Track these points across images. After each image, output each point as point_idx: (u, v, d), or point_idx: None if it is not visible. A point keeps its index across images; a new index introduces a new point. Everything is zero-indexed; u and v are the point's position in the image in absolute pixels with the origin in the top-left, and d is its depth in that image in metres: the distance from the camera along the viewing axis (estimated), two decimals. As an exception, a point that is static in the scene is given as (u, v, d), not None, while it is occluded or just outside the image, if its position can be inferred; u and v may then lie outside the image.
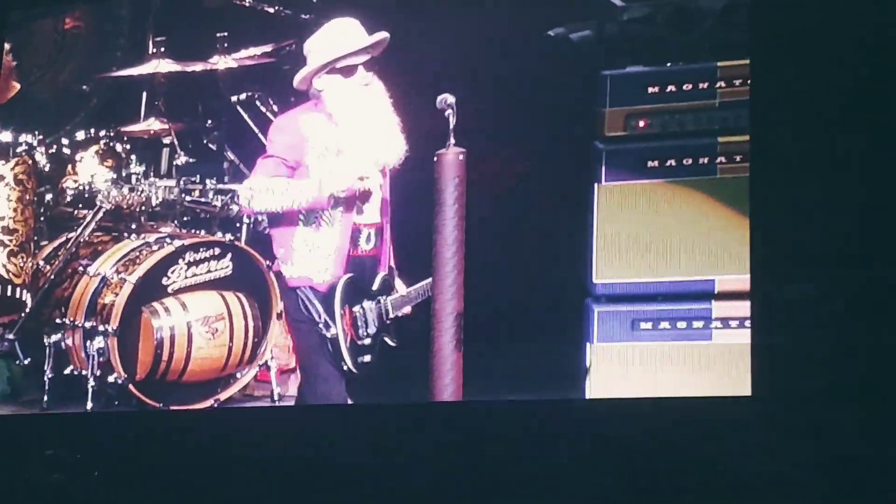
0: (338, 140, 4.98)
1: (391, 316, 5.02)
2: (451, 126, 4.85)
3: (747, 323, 4.58)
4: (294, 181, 4.94)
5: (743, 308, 4.61)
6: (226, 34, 5.48)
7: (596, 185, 4.83)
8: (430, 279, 4.92)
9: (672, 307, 4.69)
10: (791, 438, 4.17)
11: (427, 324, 4.89)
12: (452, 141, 4.86)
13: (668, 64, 4.85)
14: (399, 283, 5.06)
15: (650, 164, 4.81)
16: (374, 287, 5.04)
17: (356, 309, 4.96)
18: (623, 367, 4.72)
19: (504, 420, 4.63)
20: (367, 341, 5.01)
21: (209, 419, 5.10)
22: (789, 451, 4.17)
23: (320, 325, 4.92)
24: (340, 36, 4.99)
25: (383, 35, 5.00)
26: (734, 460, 4.20)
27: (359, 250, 4.97)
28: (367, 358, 5.01)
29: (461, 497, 4.55)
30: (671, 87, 4.81)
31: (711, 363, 4.60)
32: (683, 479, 4.26)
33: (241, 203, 5.05)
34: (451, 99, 4.87)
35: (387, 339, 5.06)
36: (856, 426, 4.13)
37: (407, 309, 5.01)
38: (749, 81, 4.68)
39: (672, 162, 4.78)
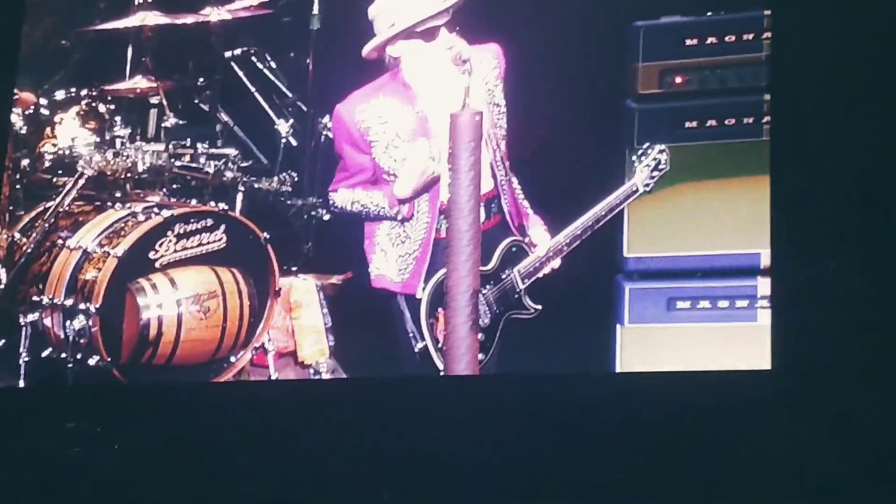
0: (417, 118, 4.79)
1: (521, 287, 4.72)
2: (467, 84, 4.68)
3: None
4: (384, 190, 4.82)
5: (792, 285, 4.45)
6: (217, -17, 5.28)
7: (627, 148, 4.63)
8: (576, 223, 4.68)
9: (713, 284, 4.47)
10: (812, 414, 4.03)
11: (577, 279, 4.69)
12: (468, 100, 4.65)
13: (709, 13, 4.62)
14: (541, 238, 4.76)
15: (688, 124, 4.60)
16: (491, 265, 4.74)
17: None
18: (658, 350, 4.54)
19: (522, 395, 4.47)
20: (481, 336, 4.70)
21: (232, 391, 5.01)
22: (810, 426, 4.03)
23: (411, 338, 4.77)
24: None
25: None
26: (754, 436, 4.07)
27: (488, 222, 4.78)
28: (481, 357, 4.70)
29: (480, 475, 4.41)
30: (711, 39, 4.59)
31: (758, 345, 4.30)
32: (702, 457, 4.13)
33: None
34: (466, 54, 4.71)
35: (520, 315, 4.72)
36: (876, 403, 4.02)
37: (554, 263, 4.71)
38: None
39: (713, 122, 4.57)
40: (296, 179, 5.19)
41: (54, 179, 5.28)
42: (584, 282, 4.68)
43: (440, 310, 4.73)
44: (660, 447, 4.14)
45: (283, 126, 5.27)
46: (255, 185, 5.15)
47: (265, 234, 5.04)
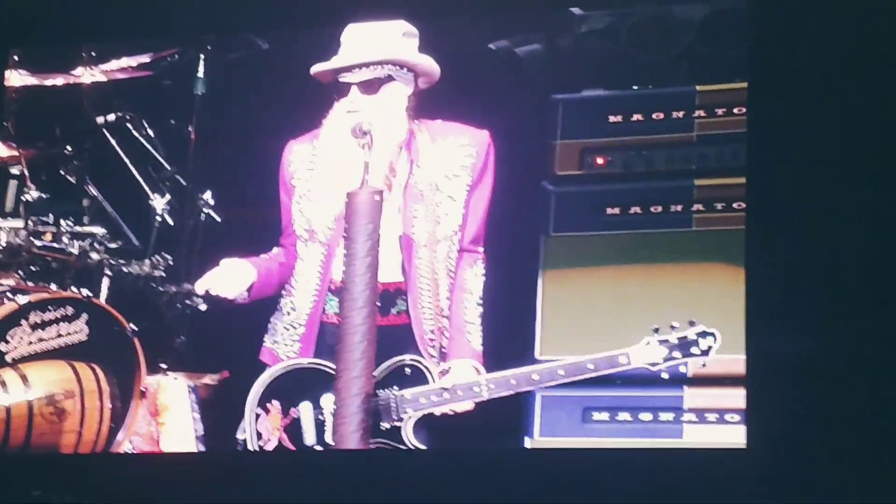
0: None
1: (400, 418, 4.40)
2: (367, 160, 4.41)
3: (729, 417, 4.23)
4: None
5: (726, 397, 4.23)
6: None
7: (542, 235, 4.52)
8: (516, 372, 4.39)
9: (634, 393, 4.31)
10: (786, 494, 4.06)
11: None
12: (367, 177, 4.41)
13: (634, 87, 4.56)
14: (460, 373, 4.46)
15: (609, 211, 4.49)
16: (381, 373, 4.42)
17: (303, 408, 4.46)
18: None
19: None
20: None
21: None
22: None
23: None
24: (350, 41, 4.60)
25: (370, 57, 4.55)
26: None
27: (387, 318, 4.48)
28: None
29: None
30: (637, 116, 4.52)
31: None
32: None
33: None
34: (366, 126, 4.44)
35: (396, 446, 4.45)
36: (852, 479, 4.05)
37: (463, 405, 4.40)
38: (743, 110, 4.39)
39: (637, 209, 4.46)
40: (170, 263, 4.95)
41: None
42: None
43: (273, 403, 4.48)
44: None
45: (158, 202, 5.03)
46: (124, 269, 4.94)
47: (132, 326, 4.84)
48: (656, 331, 4.22)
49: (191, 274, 4.92)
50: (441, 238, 4.45)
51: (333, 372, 4.37)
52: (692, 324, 4.21)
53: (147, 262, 4.95)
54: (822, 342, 4.17)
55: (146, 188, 5.07)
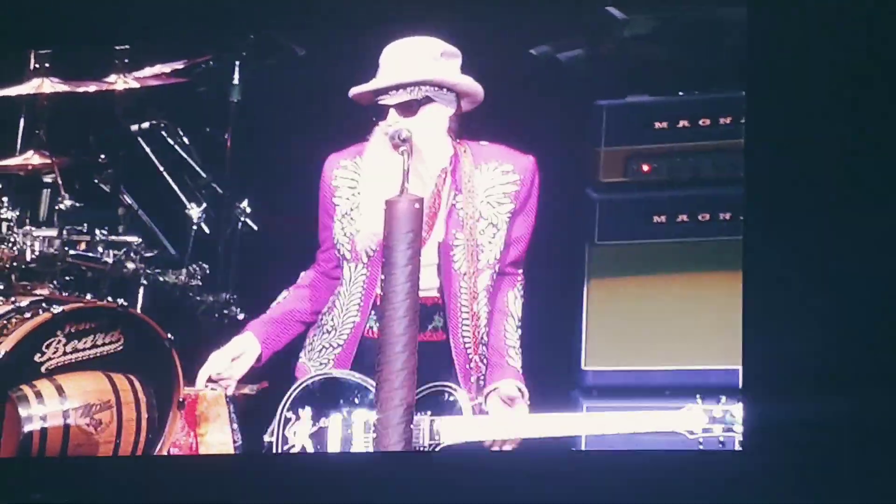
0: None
1: (428, 446, 4.39)
2: (406, 166, 4.34)
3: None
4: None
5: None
6: (126, 47, 5.18)
7: (588, 244, 4.51)
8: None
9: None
10: (782, 496, 4.01)
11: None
12: (407, 185, 4.34)
13: (681, 93, 4.56)
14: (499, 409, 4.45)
15: (656, 219, 4.49)
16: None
17: (332, 419, 4.45)
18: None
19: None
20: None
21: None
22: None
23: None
24: (388, 62, 4.55)
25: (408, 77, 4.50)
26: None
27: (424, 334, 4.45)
28: None
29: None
30: (683, 122, 4.51)
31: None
32: None
33: None
34: (405, 133, 4.37)
35: None
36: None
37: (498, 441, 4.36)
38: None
39: (684, 217, 4.46)
40: (207, 272, 4.99)
41: (-74, 269, 5.16)
42: (535, 399, 4.38)
43: (305, 409, 4.46)
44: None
45: (194, 211, 5.06)
46: (161, 279, 4.98)
47: (169, 336, 4.82)
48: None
49: (228, 283, 4.96)
50: (483, 268, 4.41)
51: (370, 387, 4.34)
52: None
53: (183, 271, 5.00)
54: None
55: (182, 197, 5.11)
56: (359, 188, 4.52)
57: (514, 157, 4.42)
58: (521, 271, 4.41)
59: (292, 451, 4.46)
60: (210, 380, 4.69)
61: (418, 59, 4.46)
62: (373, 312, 4.51)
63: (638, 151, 4.52)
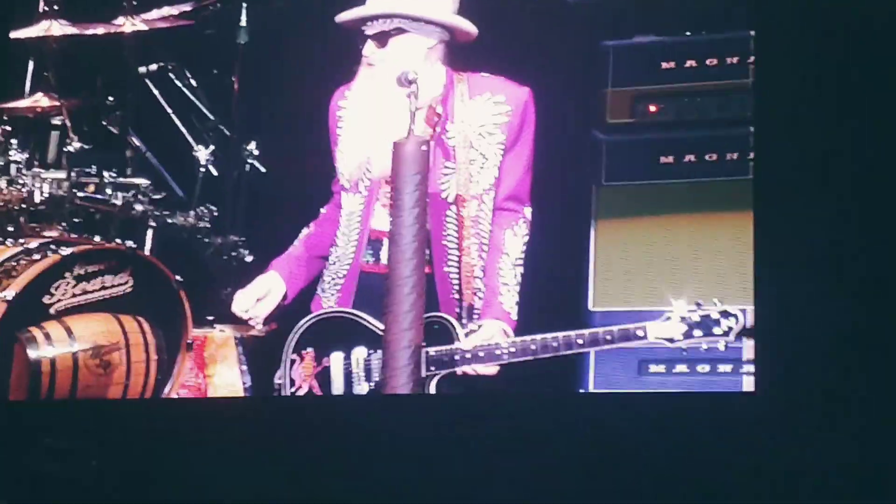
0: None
1: (432, 372, 4.37)
2: (413, 108, 4.33)
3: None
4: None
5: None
6: (134, -12, 5.29)
7: (595, 186, 4.50)
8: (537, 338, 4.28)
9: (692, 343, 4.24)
10: (793, 437, 4.03)
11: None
12: (413, 126, 4.33)
13: (687, 32, 4.52)
14: (487, 333, 4.41)
15: (663, 159, 4.48)
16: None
17: (333, 358, 4.44)
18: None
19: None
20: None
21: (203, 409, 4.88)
22: (791, 449, 4.05)
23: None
24: None
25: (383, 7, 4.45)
26: (735, 457, 4.07)
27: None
28: None
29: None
30: (691, 62, 4.49)
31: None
32: (682, 476, 4.11)
33: None
34: (412, 74, 4.34)
35: None
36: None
37: (486, 369, 4.36)
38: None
39: (691, 157, 4.45)
40: (215, 214, 5.00)
41: (-64, 210, 5.16)
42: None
43: (308, 350, 4.47)
44: (641, 467, 4.13)
45: (202, 153, 5.07)
46: (169, 221, 4.99)
47: (178, 277, 4.86)
48: (680, 306, 4.16)
49: (236, 225, 4.97)
50: (470, 196, 4.40)
51: (366, 324, 4.35)
52: (717, 303, 4.13)
53: (192, 213, 5.02)
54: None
55: (190, 139, 5.13)
56: (347, 120, 4.51)
57: (507, 88, 4.38)
58: (521, 209, 4.38)
59: (299, 392, 4.45)
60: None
61: None
62: (368, 247, 4.50)
63: (645, 92, 4.51)
